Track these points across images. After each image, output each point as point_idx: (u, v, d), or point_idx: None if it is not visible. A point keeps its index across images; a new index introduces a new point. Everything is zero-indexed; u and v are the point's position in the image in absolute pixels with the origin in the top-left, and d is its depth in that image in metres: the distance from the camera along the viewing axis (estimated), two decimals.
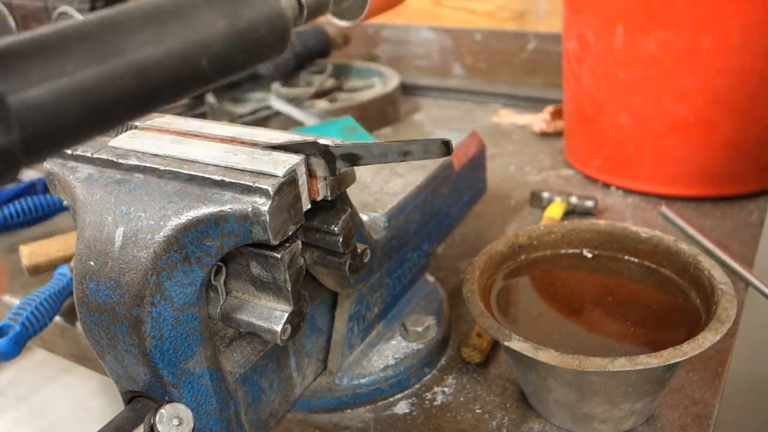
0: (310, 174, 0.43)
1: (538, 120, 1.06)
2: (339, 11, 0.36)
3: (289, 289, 0.42)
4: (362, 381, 0.54)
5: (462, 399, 0.55)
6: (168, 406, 0.42)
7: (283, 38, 0.29)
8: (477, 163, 0.72)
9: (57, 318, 0.68)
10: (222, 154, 0.43)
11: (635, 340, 0.51)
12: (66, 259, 0.72)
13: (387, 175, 0.60)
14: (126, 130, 0.46)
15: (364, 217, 0.54)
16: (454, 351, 0.60)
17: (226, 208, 0.39)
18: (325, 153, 0.42)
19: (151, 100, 0.23)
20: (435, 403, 0.55)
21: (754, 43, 0.72)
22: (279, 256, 0.41)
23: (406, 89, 1.27)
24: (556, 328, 0.52)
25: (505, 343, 0.46)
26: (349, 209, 0.46)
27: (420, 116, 1.18)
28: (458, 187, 0.67)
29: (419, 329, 0.57)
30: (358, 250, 0.47)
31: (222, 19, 0.25)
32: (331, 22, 0.35)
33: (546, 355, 0.45)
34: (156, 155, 0.43)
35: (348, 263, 0.46)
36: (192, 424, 0.42)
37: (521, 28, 1.22)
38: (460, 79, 1.30)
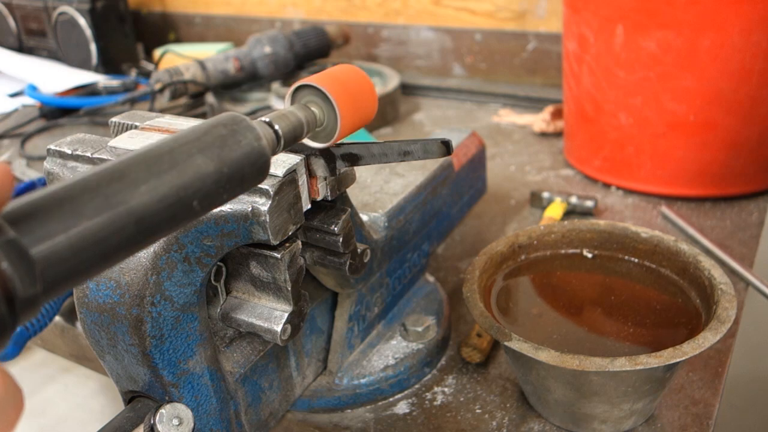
0: (310, 174, 0.43)
1: (538, 120, 1.06)
2: (313, 135, 0.41)
3: (289, 289, 0.43)
4: (362, 381, 0.54)
5: (462, 399, 0.55)
6: (168, 406, 0.42)
7: (263, 171, 0.32)
8: (477, 163, 0.72)
9: (57, 318, 0.68)
10: None
11: (635, 340, 0.51)
12: None
13: (387, 175, 0.60)
14: (125, 130, 0.47)
15: (364, 217, 0.54)
16: (454, 351, 0.60)
17: (226, 208, 0.39)
18: (325, 153, 0.42)
19: (148, 240, 0.26)
20: (435, 403, 0.55)
21: (754, 43, 0.72)
22: (279, 256, 0.41)
23: (406, 89, 1.27)
24: (556, 328, 0.52)
25: (505, 343, 0.46)
26: (349, 209, 0.46)
27: (420, 116, 1.18)
28: (458, 187, 0.67)
29: (419, 329, 0.57)
30: (358, 250, 0.47)
31: (212, 164, 0.28)
32: (306, 143, 0.41)
33: (546, 355, 0.45)
34: None
35: (348, 263, 0.46)
36: (192, 424, 0.42)
37: (521, 28, 1.22)
38: (460, 79, 1.30)
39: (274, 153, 0.34)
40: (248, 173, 0.30)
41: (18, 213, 0.22)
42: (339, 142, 0.43)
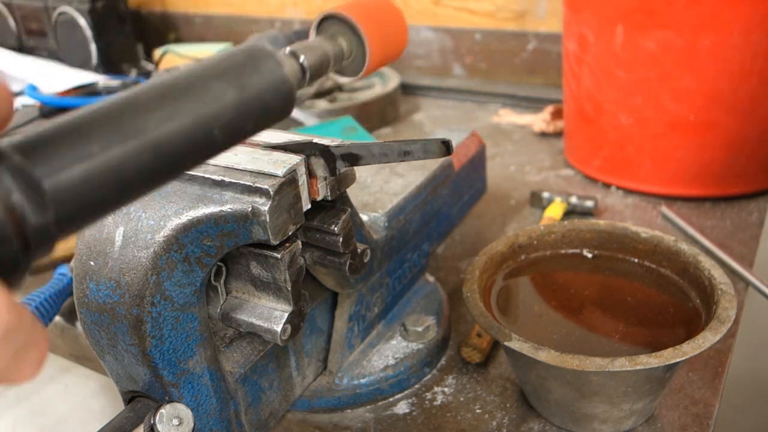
0: (310, 174, 0.43)
1: (538, 120, 1.06)
2: (340, 69, 0.38)
3: (289, 289, 0.43)
4: (362, 381, 0.54)
5: (462, 399, 0.55)
6: (168, 406, 0.42)
7: (289, 103, 0.30)
8: (477, 163, 0.72)
9: (57, 318, 0.68)
10: (222, 154, 0.43)
11: (635, 340, 0.51)
12: (66, 259, 0.72)
13: (387, 175, 0.60)
14: None
15: (364, 217, 0.54)
16: (454, 351, 0.60)
17: (226, 208, 0.39)
18: (325, 153, 0.42)
19: (169, 172, 0.25)
20: (435, 403, 0.55)
21: (754, 43, 0.72)
22: (279, 256, 0.41)
23: (406, 89, 1.27)
24: (556, 328, 0.52)
25: (505, 343, 0.46)
26: (349, 209, 0.46)
27: (420, 116, 1.18)
28: (458, 187, 0.67)
29: (419, 329, 0.57)
30: (358, 250, 0.47)
31: (231, 91, 0.27)
32: (334, 78, 0.37)
33: (546, 355, 0.45)
34: None
35: (348, 263, 0.46)
36: (192, 424, 0.42)
37: (521, 28, 1.22)
38: (460, 79, 1.30)
39: (300, 86, 0.33)
40: (272, 102, 0.29)
41: (27, 144, 0.21)
42: (338, 141, 0.43)
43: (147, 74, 1.34)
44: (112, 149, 0.22)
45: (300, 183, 0.41)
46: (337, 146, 0.42)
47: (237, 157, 0.42)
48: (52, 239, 0.21)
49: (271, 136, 0.46)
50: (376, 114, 1.11)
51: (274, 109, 0.29)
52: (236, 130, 0.27)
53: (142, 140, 0.23)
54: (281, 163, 0.41)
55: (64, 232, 0.21)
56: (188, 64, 0.27)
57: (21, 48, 1.54)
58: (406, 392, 0.56)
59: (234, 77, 0.27)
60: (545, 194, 0.82)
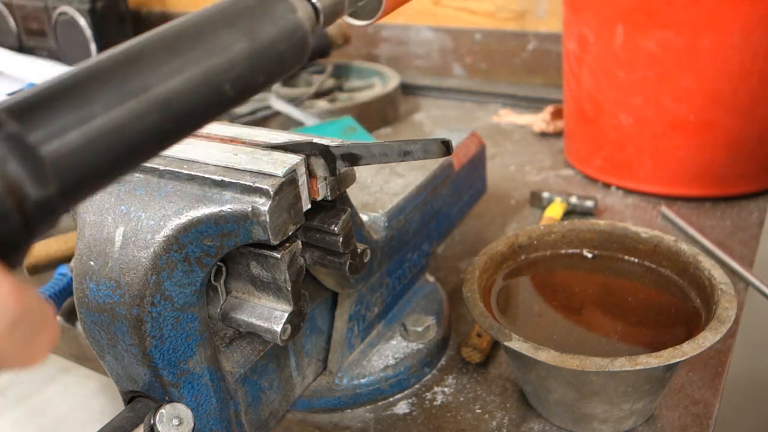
0: (310, 174, 0.43)
1: (538, 120, 1.06)
2: (355, 12, 0.36)
3: (289, 289, 0.43)
4: (362, 381, 0.54)
5: (462, 399, 0.55)
6: (168, 406, 0.42)
7: (303, 51, 0.28)
8: (477, 163, 0.72)
9: (57, 318, 0.68)
10: (222, 154, 0.43)
11: (635, 340, 0.51)
12: (66, 259, 0.72)
13: (387, 175, 0.60)
14: None
15: (364, 217, 0.54)
16: (454, 351, 0.60)
17: (226, 208, 0.39)
18: (325, 153, 0.42)
19: (179, 131, 0.23)
20: (435, 403, 0.55)
21: (754, 43, 0.72)
22: (279, 256, 0.41)
23: (406, 89, 1.27)
24: (556, 328, 0.52)
25: (505, 343, 0.46)
26: (349, 209, 0.46)
27: (420, 116, 1.18)
28: (458, 187, 0.67)
29: (419, 329, 0.57)
30: (358, 250, 0.47)
31: (242, 40, 0.25)
32: (348, 22, 0.36)
33: (546, 355, 0.45)
34: None
35: (348, 263, 0.46)
36: (192, 424, 0.42)
37: (521, 28, 1.22)
38: (460, 79, 1.30)
39: (314, 31, 0.30)
40: (285, 51, 0.27)
41: (21, 107, 0.19)
42: (338, 141, 0.43)
43: None
44: (114, 109, 0.20)
45: (300, 183, 0.41)
46: (337, 146, 0.42)
47: (237, 157, 0.42)
48: (56, 212, 0.19)
49: (271, 136, 0.46)
50: (376, 114, 1.11)
51: (287, 59, 0.27)
52: (248, 84, 0.25)
53: (147, 98, 0.21)
54: (281, 163, 0.41)
55: (69, 203, 0.19)
56: (193, 12, 0.25)
57: (21, 48, 1.54)
58: (406, 392, 0.56)
59: (244, 25, 0.25)
60: (545, 194, 0.82)
